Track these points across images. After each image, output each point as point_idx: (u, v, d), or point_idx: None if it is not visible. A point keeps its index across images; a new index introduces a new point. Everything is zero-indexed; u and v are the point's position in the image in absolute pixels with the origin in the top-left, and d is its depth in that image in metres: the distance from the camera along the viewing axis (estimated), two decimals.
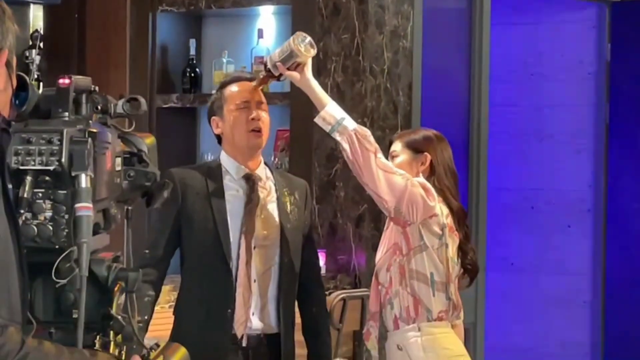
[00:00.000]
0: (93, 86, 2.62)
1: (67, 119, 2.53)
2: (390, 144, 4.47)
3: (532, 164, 7.44)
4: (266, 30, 6.32)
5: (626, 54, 7.13)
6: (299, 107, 5.84)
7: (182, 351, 2.55)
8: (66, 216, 2.45)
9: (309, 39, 4.13)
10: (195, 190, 4.27)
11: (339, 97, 5.41)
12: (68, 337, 2.42)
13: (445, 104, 6.50)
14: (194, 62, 6.54)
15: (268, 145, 4.52)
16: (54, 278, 2.44)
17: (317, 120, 4.19)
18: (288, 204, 4.31)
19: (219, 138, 4.37)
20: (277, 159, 6.10)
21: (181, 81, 6.55)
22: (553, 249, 7.36)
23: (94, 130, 2.50)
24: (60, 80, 2.57)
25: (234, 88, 4.31)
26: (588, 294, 7.24)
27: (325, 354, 4.33)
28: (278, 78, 4.22)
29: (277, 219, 4.28)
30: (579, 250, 7.28)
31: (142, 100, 2.68)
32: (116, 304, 2.52)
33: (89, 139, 2.47)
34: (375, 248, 5.05)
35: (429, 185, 4.30)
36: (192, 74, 6.53)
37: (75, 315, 2.41)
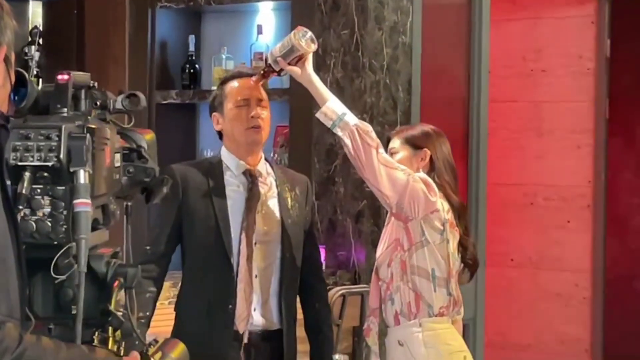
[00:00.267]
0: (92, 82, 2.62)
1: (65, 115, 2.54)
2: (388, 140, 4.46)
3: (532, 159, 7.44)
4: (265, 26, 6.32)
5: (626, 49, 7.13)
6: (299, 102, 5.84)
7: (181, 347, 2.55)
8: (65, 212, 2.45)
9: (310, 33, 4.13)
10: (196, 186, 4.27)
11: (339, 92, 5.39)
12: (67, 333, 2.42)
13: (445, 100, 6.50)
14: (193, 58, 6.54)
15: (267, 141, 4.52)
16: (53, 274, 2.44)
17: (318, 115, 4.19)
18: (289, 199, 4.32)
19: (219, 134, 4.37)
20: (276, 155, 6.09)
21: (180, 77, 6.55)
22: (552, 245, 7.36)
23: (93, 126, 2.51)
24: (59, 76, 2.57)
25: (234, 84, 4.31)
26: (588, 289, 7.24)
27: (327, 349, 4.33)
28: (279, 73, 4.21)
29: (278, 214, 4.28)
30: (578, 246, 7.28)
31: (142, 96, 2.68)
32: (115, 300, 2.53)
33: (88, 135, 2.47)
34: (375, 244, 5.05)
35: (430, 180, 4.30)
36: (192, 70, 6.53)
37: (74, 311, 2.42)
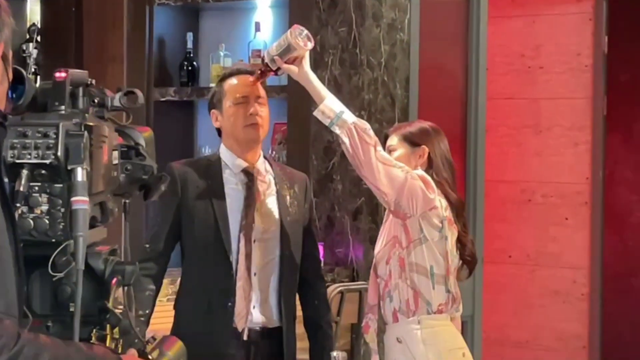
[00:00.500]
0: (90, 79, 2.63)
1: (63, 112, 2.54)
2: (386, 138, 4.46)
3: (530, 156, 7.45)
4: (263, 23, 6.32)
5: (623, 46, 7.13)
6: (297, 100, 5.84)
7: (179, 345, 2.55)
8: (62, 210, 2.46)
9: (305, 32, 4.12)
10: (195, 184, 4.27)
11: (336, 90, 5.40)
12: (65, 330, 2.43)
13: (443, 97, 6.50)
14: (191, 55, 6.54)
15: (266, 138, 4.52)
16: (51, 271, 2.44)
17: (316, 113, 4.19)
18: (288, 197, 4.32)
19: (218, 131, 4.37)
20: (274, 152, 6.10)
21: (178, 74, 6.55)
22: (550, 242, 7.36)
23: (91, 124, 2.51)
24: (57, 74, 2.58)
25: (233, 81, 4.31)
26: (586, 286, 7.25)
27: (327, 346, 4.33)
28: (276, 72, 4.20)
29: (276, 212, 4.28)
30: (576, 242, 7.28)
31: (139, 93, 2.68)
32: (113, 297, 2.53)
33: (85, 133, 2.47)
34: (372, 241, 5.05)
35: (428, 177, 4.30)
36: (190, 68, 6.53)
37: (71, 309, 2.42)
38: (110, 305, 2.52)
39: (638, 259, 7.01)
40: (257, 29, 6.29)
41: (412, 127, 4.51)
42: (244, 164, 4.29)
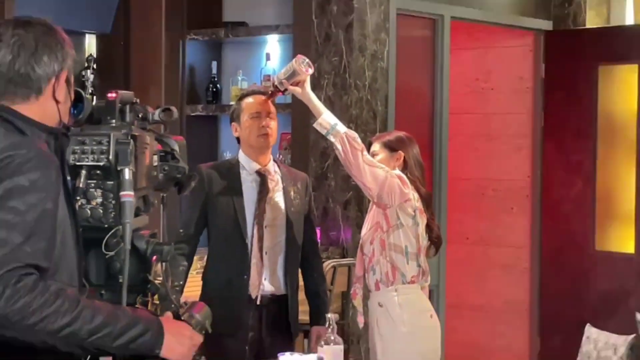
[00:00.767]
0: (135, 99, 2.63)
1: (114, 124, 2.54)
2: (370, 144, 4.45)
3: (483, 159, 7.43)
4: (272, 54, 6.32)
5: (556, 71, 7.12)
6: (299, 115, 5.84)
7: (206, 309, 2.54)
8: (113, 202, 2.46)
9: (307, 60, 4.12)
10: (219, 182, 4.27)
11: (330, 107, 5.37)
12: (115, 297, 2.42)
13: (415, 112, 6.49)
14: (215, 79, 6.53)
15: (275, 145, 4.51)
16: (104, 250, 2.44)
17: (315, 125, 4.18)
18: (292, 192, 4.31)
19: (237, 139, 4.36)
20: (281, 156, 6.09)
21: (205, 94, 6.54)
22: (499, 226, 7.35)
23: (136, 134, 2.52)
24: (109, 94, 2.58)
25: (249, 100, 4.30)
26: (527, 261, 7.24)
27: (323, 310, 4.31)
28: (284, 92, 4.20)
29: (283, 204, 4.27)
30: (520, 227, 7.27)
31: (174, 109, 2.69)
32: (153, 271, 2.53)
33: (131, 141, 2.48)
34: (359, 226, 5.04)
35: (404, 176, 4.29)
36: (214, 89, 6.52)
37: (120, 280, 2.41)
38: (151, 277, 2.52)
39: (568, 239, 7.00)
40: (268, 58, 6.28)
41: (391, 136, 4.50)
42: (258, 166, 4.28)
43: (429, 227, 4.38)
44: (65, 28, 2.41)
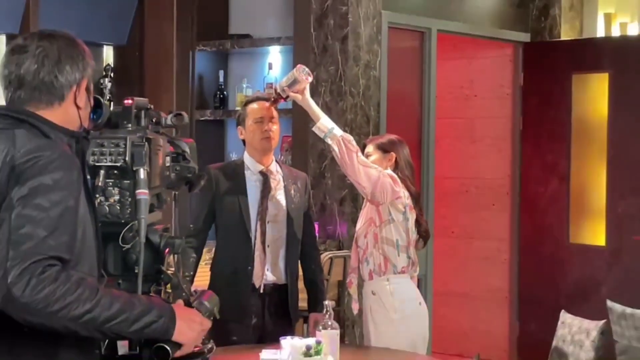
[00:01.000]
0: (149, 105, 2.62)
1: (130, 128, 2.54)
2: (364, 146, 4.45)
3: (467, 159, 7.43)
4: (275, 64, 6.31)
5: (534, 79, 7.12)
6: (299, 119, 5.84)
7: (214, 297, 2.54)
8: (130, 199, 2.45)
9: (307, 69, 4.12)
10: (225, 181, 4.27)
11: (327, 112, 5.36)
12: (131, 286, 2.42)
13: (404, 117, 6.49)
14: (222, 87, 6.52)
15: (277, 147, 4.51)
16: (121, 244, 2.44)
17: (314, 129, 4.18)
18: (292, 190, 4.31)
19: (243, 142, 4.36)
20: (282, 157, 6.09)
21: (213, 101, 6.54)
22: (481, 221, 7.35)
23: (150, 137, 2.51)
24: (125, 101, 2.57)
25: (254, 106, 4.30)
26: (507, 253, 7.24)
27: (320, 298, 4.31)
28: (285, 99, 4.20)
29: (284, 201, 4.27)
30: (500, 221, 7.27)
31: (185, 114, 2.68)
32: (166, 262, 2.52)
33: (146, 143, 2.47)
34: (354, 221, 5.04)
35: (395, 175, 4.29)
36: (221, 96, 6.52)
37: (136, 271, 2.41)
38: (164, 268, 2.52)
39: (544, 233, 7.00)
40: (270, 67, 6.28)
41: (383, 138, 4.50)
42: (261, 167, 4.28)
43: (417, 222, 4.38)
44: (85, 40, 2.40)
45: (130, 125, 2.53)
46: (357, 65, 5.94)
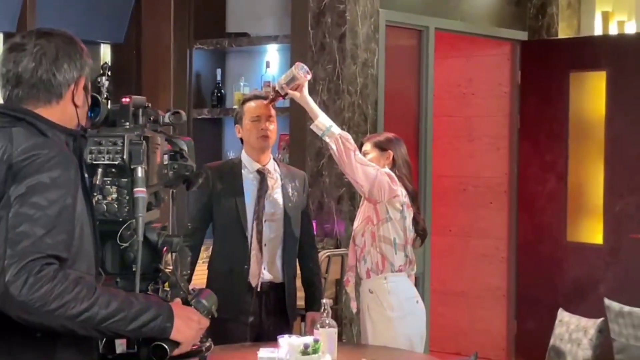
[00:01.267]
0: (147, 103, 2.62)
1: (127, 127, 2.54)
2: (362, 145, 4.44)
3: (464, 158, 7.43)
4: (272, 62, 6.31)
5: (531, 78, 7.13)
6: (296, 118, 5.84)
7: (212, 295, 2.54)
8: (127, 197, 2.45)
9: (306, 67, 4.12)
10: (222, 180, 4.26)
11: (325, 110, 5.36)
12: (129, 284, 2.43)
13: (402, 115, 6.49)
14: (220, 85, 6.52)
15: (274, 145, 4.50)
16: (119, 242, 2.44)
17: (312, 127, 4.18)
18: (290, 189, 4.30)
19: (241, 140, 4.36)
20: (280, 155, 6.08)
21: (210, 99, 6.53)
22: (479, 219, 7.36)
23: (148, 135, 2.51)
24: (123, 99, 2.57)
25: (251, 104, 4.29)
26: (505, 251, 7.24)
27: (317, 296, 4.31)
28: (284, 97, 4.20)
29: (281, 200, 4.26)
30: (498, 220, 7.28)
31: (183, 113, 2.68)
32: (164, 260, 2.52)
33: (144, 141, 2.47)
34: (351, 220, 5.04)
35: (392, 174, 4.28)
36: (219, 94, 6.51)
37: (134, 269, 2.41)
38: (162, 266, 2.52)
39: (542, 231, 7.01)
40: (267, 66, 6.28)
41: (381, 137, 4.50)
42: (258, 165, 4.27)
43: (415, 221, 4.38)
44: (82, 38, 2.41)
45: (128, 123, 2.53)
46: (355, 64, 5.94)
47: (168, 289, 2.53)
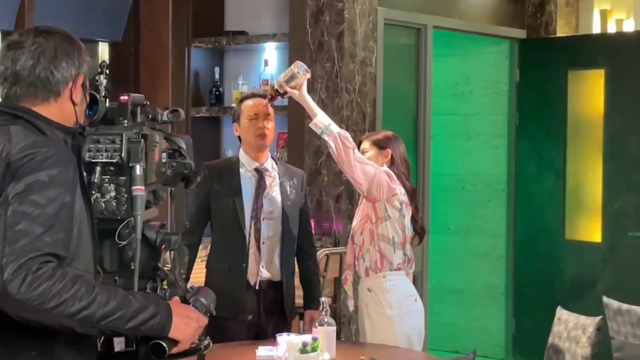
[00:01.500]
0: (145, 101, 2.61)
1: (126, 125, 2.53)
2: (360, 143, 4.44)
3: (463, 156, 7.44)
4: (270, 60, 6.30)
5: (530, 76, 7.13)
6: (294, 116, 5.84)
7: (211, 293, 2.54)
8: (125, 195, 2.45)
9: (305, 66, 4.12)
10: (220, 178, 4.26)
11: (323, 108, 5.36)
12: (127, 283, 2.42)
13: (400, 113, 6.49)
14: (218, 83, 6.51)
15: (272, 144, 4.50)
16: (117, 240, 2.43)
17: (310, 125, 4.18)
18: (288, 187, 4.30)
19: (239, 138, 4.35)
20: (278, 154, 6.08)
21: (209, 97, 6.53)
22: (478, 218, 7.36)
23: (146, 133, 2.51)
24: (121, 97, 2.57)
25: (249, 103, 4.29)
26: (503, 250, 7.25)
27: (315, 295, 4.32)
28: (283, 95, 4.20)
29: (279, 198, 4.26)
30: (496, 218, 7.28)
31: (181, 111, 2.68)
32: (162, 259, 2.52)
33: (142, 140, 2.47)
34: (350, 218, 5.04)
35: (391, 172, 4.28)
36: (217, 93, 6.50)
37: (132, 267, 2.41)
38: (160, 264, 2.51)
39: (540, 229, 7.01)
40: (266, 64, 6.27)
41: (379, 135, 4.50)
42: (256, 164, 4.27)
43: (413, 219, 4.38)
44: (80, 36, 2.40)
45: (126, 121, 2.53)
46: (353, 62, 5.94)
47: (166, 287, 2.52)
